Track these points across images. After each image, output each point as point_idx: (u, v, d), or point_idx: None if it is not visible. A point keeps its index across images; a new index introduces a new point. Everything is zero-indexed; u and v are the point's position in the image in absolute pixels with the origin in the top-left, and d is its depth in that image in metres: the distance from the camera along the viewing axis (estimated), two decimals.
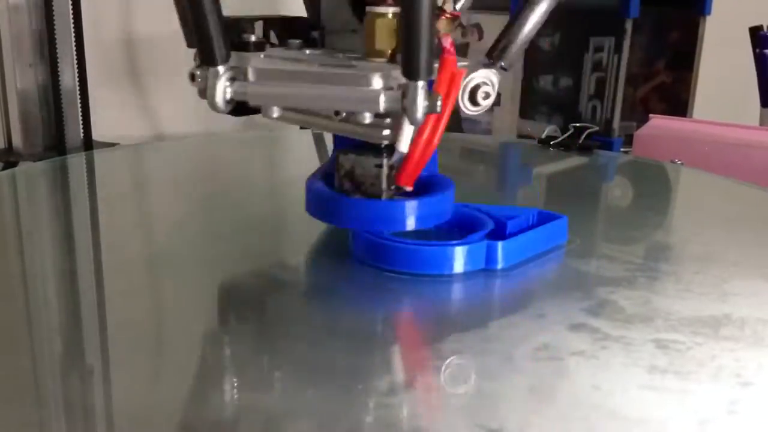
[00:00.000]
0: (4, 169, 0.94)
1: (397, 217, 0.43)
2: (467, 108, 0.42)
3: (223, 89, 0.41)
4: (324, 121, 0.43)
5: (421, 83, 0.38)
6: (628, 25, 1.17)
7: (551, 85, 1.31)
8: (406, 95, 0.38)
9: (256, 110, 0.43)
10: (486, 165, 0.85)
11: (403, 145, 0.40)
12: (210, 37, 0.40)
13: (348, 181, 0.43)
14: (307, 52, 0.47)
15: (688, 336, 0.38)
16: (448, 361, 0.35)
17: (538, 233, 0.47)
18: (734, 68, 1.36)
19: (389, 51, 0.42)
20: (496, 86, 0.43)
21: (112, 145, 1.15)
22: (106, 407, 0.33)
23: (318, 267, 0.48)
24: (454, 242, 0.44)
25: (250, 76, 0.42)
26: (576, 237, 0.49)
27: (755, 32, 1.28)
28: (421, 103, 0.38)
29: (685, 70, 1.27)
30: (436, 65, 0.39)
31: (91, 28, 1.16)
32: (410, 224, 0.43)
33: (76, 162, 0.72)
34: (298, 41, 0.47)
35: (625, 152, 0.95)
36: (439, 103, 0.39)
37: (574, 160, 0.77)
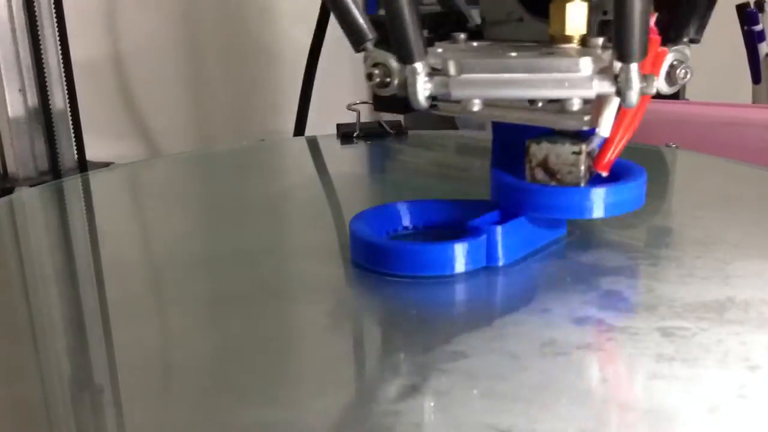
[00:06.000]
0: (1, 195, 0.94)
1: (604, 203, 0.43)
2: (663, 88, 0.42)
3: (423, 86, 0.41)
4: (519, 112, 0.43)
5: (635, 65, 0.38)
6: None
7: None
8: (619, 77, 0.38)
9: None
10: (482, 161, 0.84)
11: (605, 130, 0.41)
12: (408, 33, 0.39)
13: (541, 170, 0.43)
14: (475, 44, 0.47)
15: (693, 322, 0.38)
16: None
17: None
18: (724, 47, 1.36)
19: (579, 36, 0.43)
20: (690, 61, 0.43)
21: (107, 164, 1.15)
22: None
23: (317, 270, 0.48)
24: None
25: (452, 69, 0.41)
26: (576, 228, 0.49)
27: (742, 9, 1.28)
28: (637, 84, 0.38)
29: None
30: None
31: (79, 48, 1.16)
32: (613, 210, 0.43)
33: (72, 185, 0.72)
34: (463, 35, 0.47)
35: None
36: (655, 83, 0.39)
37: None
